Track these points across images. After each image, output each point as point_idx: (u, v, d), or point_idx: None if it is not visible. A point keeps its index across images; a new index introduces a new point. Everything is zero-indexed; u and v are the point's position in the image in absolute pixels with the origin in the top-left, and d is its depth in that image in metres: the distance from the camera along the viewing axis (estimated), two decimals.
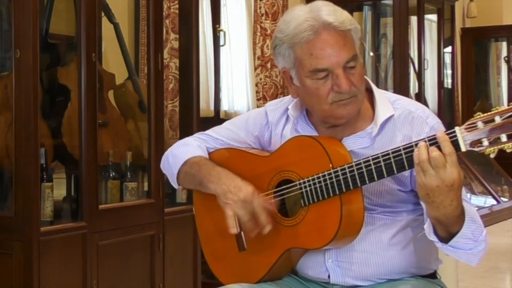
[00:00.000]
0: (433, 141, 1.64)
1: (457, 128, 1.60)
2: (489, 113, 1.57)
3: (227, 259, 2.00)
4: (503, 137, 1.55)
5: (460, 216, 1.68)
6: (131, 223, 3.41)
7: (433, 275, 1.95)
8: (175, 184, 2.10)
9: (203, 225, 2.06)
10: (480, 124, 1.57)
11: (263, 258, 1.90)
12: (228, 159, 2.02)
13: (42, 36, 3.35)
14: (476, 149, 1.58)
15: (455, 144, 1.60)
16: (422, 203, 1.79)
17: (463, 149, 1.59)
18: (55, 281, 3.04)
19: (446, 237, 1.72)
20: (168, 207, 3.63)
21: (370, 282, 1.88)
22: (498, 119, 1.55)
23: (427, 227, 1.75)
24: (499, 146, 1.56)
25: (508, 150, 1.56)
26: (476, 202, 7.06)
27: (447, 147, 1.60)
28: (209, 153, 2.05)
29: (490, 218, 6.64)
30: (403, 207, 1.88)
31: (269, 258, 1.89)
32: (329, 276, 1.89)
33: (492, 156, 1.58)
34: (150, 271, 3.51)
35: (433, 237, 1.74)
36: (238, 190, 1.86)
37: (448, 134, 1.61)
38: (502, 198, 7.54)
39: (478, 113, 1.59)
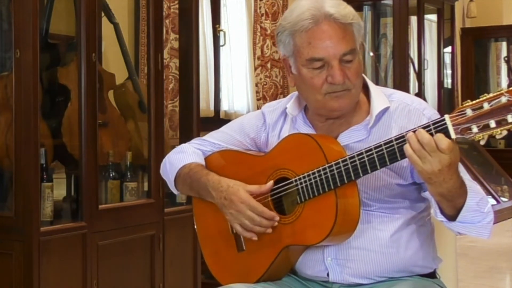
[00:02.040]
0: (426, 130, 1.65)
1: (446, 116, 1.62)
2: (477, 100, 1.59)
3: (226, 260, 2.00)
4: (492, 123, 1.56)
5: (462, 187, 1.70)
6: (131, 223, 3.41)
7: (432, 275, 1.95)
8: (174, 191, 2.12)
9: (202, 227, 2.07)
10: (469, 111, 1.59)
11: (262, 257, 1.91)
12: (224, 161, 2.04)
13: (42, 36, 3.35)
14: (466, 136, 1.60)
15: (445, 131, 1.62)
16: (425, 194, 1.82)
17: (453, 136, 1.61)
18: (55, 281, 3.04)
19: (453, 214, 1.74)
20: (168, 207, 3.63)
21: (370, 280, 1.89)
22: (486, 106, 1.57)
23: (433, 209, 1.78)
24: (488, 132, 1.57)
25: (497, 136, 1.58)
26: None
27: (443, 142, 1.61)
28: (206, 157, 2.07)
29: None
30: (401, 203, 1.88)
31: (267, 257, 1.90)
32: (328, 275, 1.90)
33: (482, 142, 1.61)
34: (150, 271, 3.51)
35: (440, 217, 1.76)
36: (230, 202, 1.89)
37: (438, 122, 1.63)
38: (502, 198, 7.54)
39: (467, 100, 1.61)
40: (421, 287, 1.87)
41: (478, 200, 1.73)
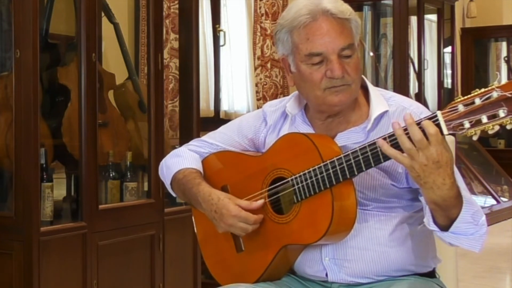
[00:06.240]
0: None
1: (438, 112, 1.62)
2: (469, 95, 1.59)
3: (225, 261, 2.00)
4: (484, 118, 1.56)
5: (458, 198, 1.68)
6: (131, 223, 3.41)
7: (432, 274, 1.95)
8: (172, 193, 2.13)
9: (201, 228, 2.07)
10: (461, 107, 1.58)
11: (260, 257, 1.91)
12: (221, 163, 2.04)
13: (42, 36, 3.35)
14: (458, 132, 1.60)
15: (438, 128, 1.61)
16: (421, 198, 1.81)
17: (445, 132, 1.61)
18: (55, 281, 3.04)
19: (447, 224, 1.72)
20: (168, 207, 3.63)
21: (368, 279, 1.89)
22: (478, 101, 1.57)
23: (427, 218, 1.75)
24: (481, 128, 1.57)
25: (490, 132, 1.57)
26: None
27: (431, 127, 1.61)
28: (203, 159, 2.07)
29: (490, 218, 6.65)
30: (397, 203, 1.88)
31: (266, 257, 1.90)
32: (326, 275, 1.90)
33: (474, 138, 1.60)
34: (150, 271, 3.51)
35: (433, 226, 1.74)
36: (220, 216, 1.90)
37: (430, 118, 1.63)
38: (502, 198, 7.54)
39: (458, 96, 1.61)
40: (420, 286, 1.87)
41: (473, 212, 1.71)
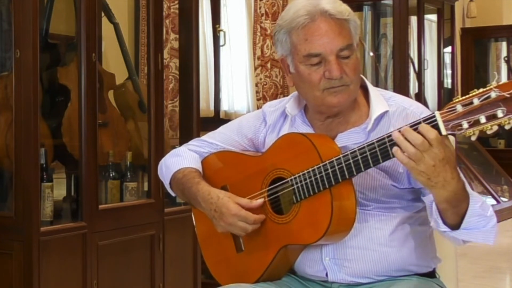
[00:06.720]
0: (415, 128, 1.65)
1: (436, 113, 1.62)
2: (467, 96, 1.59)
3: (225, 261, 2.00)
4: (482, 119, 1.56)
5: (465, 190, 1.70)
6: (131, 223, 3.41)
7: (432, 274, 1.95)
8: (172, 193, 2.13)
9: (202, 228, 2.07)
10: (459, 107, 1.59)
11: (260, 257, 1.91)
12: (221, 163, 2.05)
13: (42, 36, 3.35)
14: (456, 132, 1.60)
15: (436, 128, 1.62)
16: (424, 199, 1.81)
17: (443, 132, 1.61)
18: (55, 281, 3.04)
19: (457, 222, 1.72)
20: (168, 207, 3.63)
21: (369, 279, 1.89)
22: (476, 101, 1.57)
23: (434, 220, 1.75)
24: (479, 128, 1.57)
25: (488, 132, 1.57)
26: None
27: (430, 132, 1.61)
28: (203, 159, 2.07)
29: None
30: (397, 203, 1.88)
31: (266, 257, 1.90)
32: (327, 274, 1.90)
33: (473, 138, 1.60)
34: (150, 271, 3.51)
35: (443, 228, 1.74)
36: (220, 215, 1.90)
37: (428, 119, 1.63)
38: (502, 198, 7.54)
39: (457, 96, 1.61)
40: (421, 286, 1.87)
41: (481, 204, 1.72)
